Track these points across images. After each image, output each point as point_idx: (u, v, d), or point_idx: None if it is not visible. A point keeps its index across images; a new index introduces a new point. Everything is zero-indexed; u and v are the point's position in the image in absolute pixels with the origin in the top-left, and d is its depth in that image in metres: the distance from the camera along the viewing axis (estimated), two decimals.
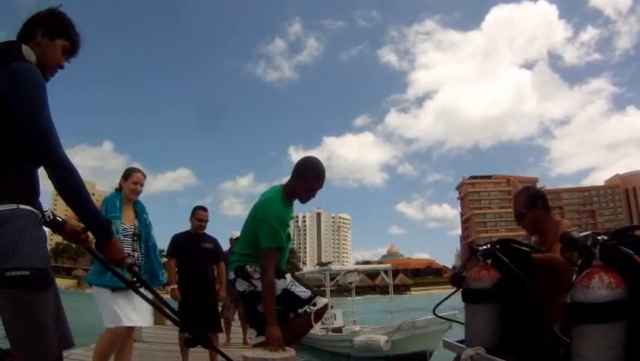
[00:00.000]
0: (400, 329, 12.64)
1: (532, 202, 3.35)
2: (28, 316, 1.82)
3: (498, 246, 3.00)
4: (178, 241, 5.98)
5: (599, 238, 2.24)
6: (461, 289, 3.04)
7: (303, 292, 3.35)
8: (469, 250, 3.20)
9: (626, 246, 2.15)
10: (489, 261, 3.00)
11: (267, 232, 3.18)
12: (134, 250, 4.22)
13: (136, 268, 4.02)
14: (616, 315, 2.06)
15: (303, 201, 3.45)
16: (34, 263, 1.83)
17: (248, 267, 3.30)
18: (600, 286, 2.06)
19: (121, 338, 4.01)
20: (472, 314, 2.97)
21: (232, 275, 3.42)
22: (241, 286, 3.35)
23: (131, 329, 4.10)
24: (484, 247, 3.06)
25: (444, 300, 3.36)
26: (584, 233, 2.33)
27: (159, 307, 2.96)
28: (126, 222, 4.26)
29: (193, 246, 5.85)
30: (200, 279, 5.73)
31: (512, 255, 2.90)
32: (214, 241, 6.14)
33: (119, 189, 4.43)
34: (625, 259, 2.11)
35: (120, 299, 3.88)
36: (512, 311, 2.84)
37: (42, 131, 1.90)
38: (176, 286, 5.66)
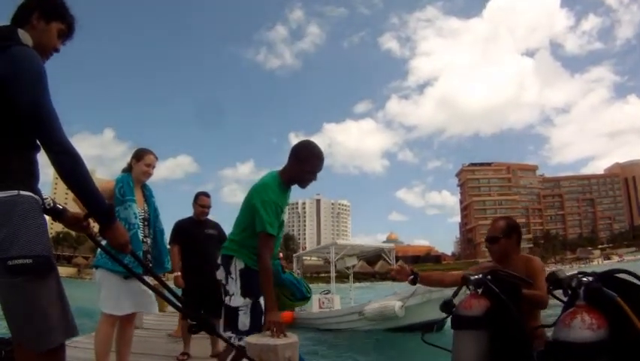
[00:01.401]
0: (415, 294, 12.11)
1: (510, 232, 3.39)
2: (31, 304, 1.79)
3: (489, 276, 3.05)
4: (181, 227, 5.90)
5: (585, 279, 2.31)
6: (451, 316, 3.07)
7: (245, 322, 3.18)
8: (461, 280, 3.24)
9: (611, 288, 2.21)
10: (479, 290, 3.06)
11: (263, 218, 3.09)
12: (145, 236, 4.05)
13: (148, 255, 3.98)
14: (595, 355, 2.11)
15: (303, 185, 3.35)
16: (36, 251, 1.80)
17: (235, 260, 3.23)
18: (581, 327, 2.13)
19: (117, 323, 3.92)
20: (461, 341, 3.01)
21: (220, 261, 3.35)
22: (220, 275, 3.28)
23: (132, 316, 4.02)
24: (476, 276, 3.11)
25: (436, 327, 3.37)
26: (570, 273, 2.43)
27: (163, 294, 2.92)
28: (138, 207, 4.05)
29: (196, 232, 5.78)
30: (203, 265, 5.65)
31: (502, 285, 2.95)
32: (217, 226, 6.06)
33: (128, 170, 4.20)
34: (608, 300, 2.17)
35: (133, 287, 3.75)
36: (499, 339, 2.88)
37: (43, 116, 1.87)
38: (179, 273, 5.58)
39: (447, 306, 3.12)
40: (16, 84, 1.84)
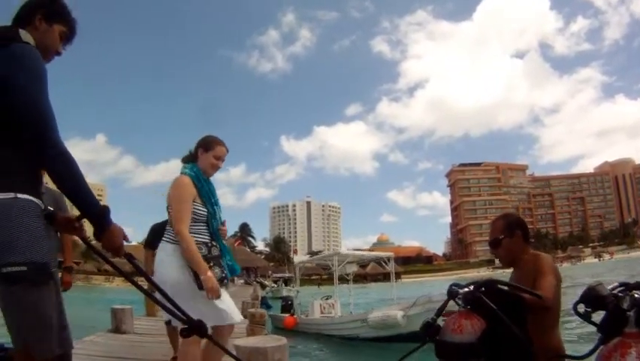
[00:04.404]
0: (415, 304, 12.73)
1: (511, 230, 2.89)
2: (27, 313, 1.75)
3: (483, 288, 2.29)
4: (157, 231, 5.34)
5: (637, 294, 1.57)
6: (435, 342, 2.24)
7: None
8: (447, 294, 2.37)
9: None
10: (469, 306, 2.26)
11: None
12: (212, 240, 3.40)
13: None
14: None
15: None
16: (32, 257, 1.75)
17: None
18: None
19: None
20: None
21: None
22: None
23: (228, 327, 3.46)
24: (466, 289, 2.31)
25: (409, 355, 2.51)
26: (611, 286, 1.71)
27: (155, 298, 2.87)
28: (204, 206, 3.40)
29: None
30: None
31: (501, 299, 2.20)
32: None
33: (191, 160, 3.58)
34: None
35: (222, 296, 3.19)
36: None
37: (40, 116, 1.81)
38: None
39: (428, 328, 2.26)
40: (14, 83, 1.79)
